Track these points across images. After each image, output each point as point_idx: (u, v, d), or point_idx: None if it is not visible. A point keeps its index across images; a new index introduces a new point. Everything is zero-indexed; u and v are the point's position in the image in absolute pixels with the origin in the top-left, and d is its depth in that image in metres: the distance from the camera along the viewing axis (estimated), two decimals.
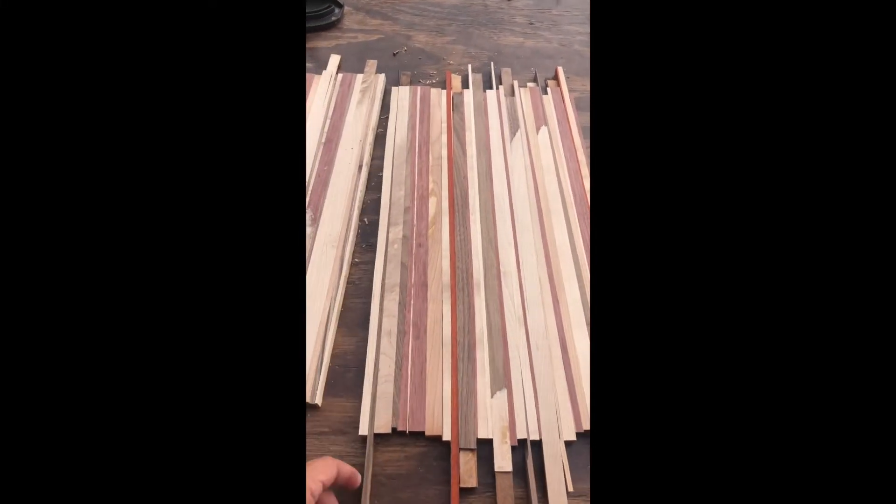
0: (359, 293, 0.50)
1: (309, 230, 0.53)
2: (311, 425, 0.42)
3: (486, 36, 0.78)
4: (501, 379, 0.44)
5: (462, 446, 0.40)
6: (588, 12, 0.82)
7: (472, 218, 0.54)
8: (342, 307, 0.49)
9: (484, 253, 0.51)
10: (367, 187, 0.58)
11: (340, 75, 0.69)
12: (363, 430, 0.41)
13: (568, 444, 0.41)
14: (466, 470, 0.39)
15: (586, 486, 0.39)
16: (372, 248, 0.53)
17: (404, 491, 0.39)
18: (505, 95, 0.67)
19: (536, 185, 0.57)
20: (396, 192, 0.57)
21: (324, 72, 0.69)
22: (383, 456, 0.41)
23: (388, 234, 0.53)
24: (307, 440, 0.41)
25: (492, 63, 0.72)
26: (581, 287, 0.50)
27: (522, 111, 0.65)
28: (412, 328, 0.46)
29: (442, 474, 0.40)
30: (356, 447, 0.41)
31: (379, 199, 0.56)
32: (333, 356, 0.46)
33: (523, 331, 0.46)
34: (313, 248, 0.51)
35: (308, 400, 0.42)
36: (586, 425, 0.41)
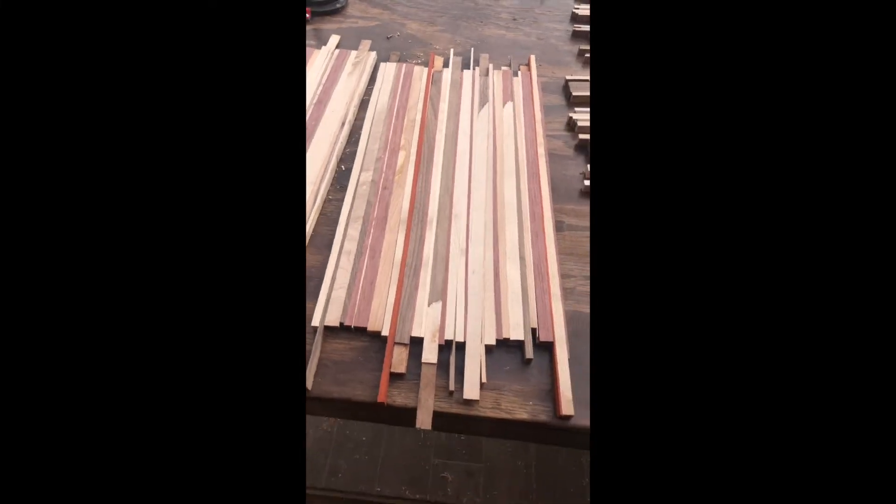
0: (327, 222, 0.58)
1: None
2: None
3: (472, 28, 0.87)
4: (439, 293, 0.51)
5: (397, 340, 0.47)
6: (568, 13, 0.91)
7: (434, 171, 0.62)
8: (313, 232, 0.57)
9: (440, 199, 0.59)
10: (347, 142, 0.67)
11: (338, 51, 0.78)
12: (315, 322, 0.48)
13: (488, 348, 0.48)
14: (398, 359, 0.47)
15: (498, 381, 0.46)
16: (344, 188, 0.61)
17: (345, 374, 0.46)
18: (480, 76, 0.75)
19: (496, 148, 0.65)
20: (371, 145, 0.65)
21: (323, 47, 0.79)
22: (330, 346, 0.48)
23: (360, 177, 0.61)
24: None
25: (472, 49, 0.81)
26: (520, 232, 0.57)
27: (493, 89, 0.73)
28: (368, 250, 0.54)
29: (378, 363, 0.47)
30: (308, 338, 0.49)
31: (356, 151, 0.65)
32: None
33: (464, 259, 0.54)
34: None
35: None
36: (506, 335, 0.48)
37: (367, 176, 0.61)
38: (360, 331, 0.49)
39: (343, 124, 0.67)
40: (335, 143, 0.65)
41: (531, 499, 1.02)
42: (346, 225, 0.56)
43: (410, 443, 1.08)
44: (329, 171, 0.62)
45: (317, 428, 1.10)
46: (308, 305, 0.51)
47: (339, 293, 0.51)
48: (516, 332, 0.48)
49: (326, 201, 0.60)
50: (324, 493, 1.04)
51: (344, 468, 1.05)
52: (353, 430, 1.10)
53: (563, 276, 0.54)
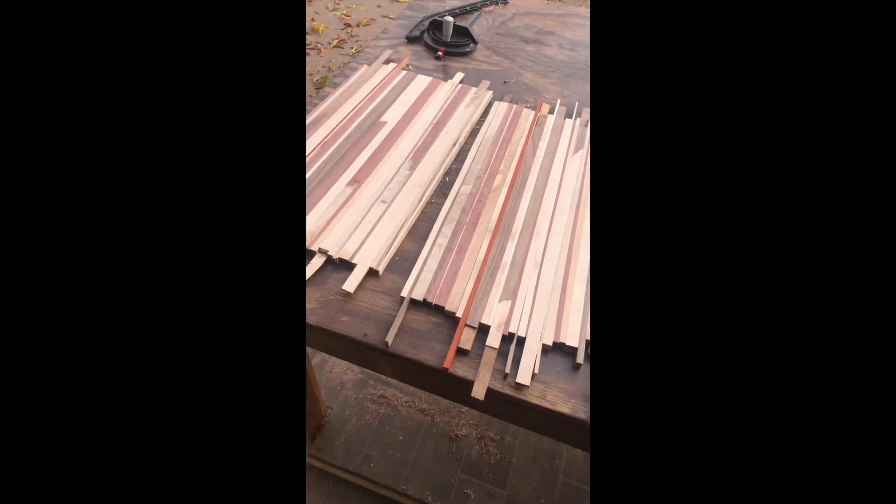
0: (427, 220, 0.68)
1: (407, 172, 0.73)
2: (372, 285, 0.60)
3: (579, 85, 0.97)
4: (511, 293, 0.58)
5: (468, 322, 0.55)
6: None
7: (524, 195, 0.71)
8: (413, 225, 0.67)
9: (526, 217, 0.68)
10: (455, 159, 0.78)
11: (460, 86, 0.91)
12: (404, 293, 0.58)
13: (545, 347, 0.55)
14: (466, 338, 0.54)
15: (547, 377, 0.52)
16: (445, 195, 0.71)
17: (420, 340, 0.55)
18: (579, 126, 0.85)
19: (582, 188, 0.73)
20: (475, 165, 0.75)
21: (449, 81, 0.92)
22: (412, 315, 0.57)
23: (460, 189, 0.71)
24: (375, 295, 0.59)
25: (577, 102, 0.91)
26: (592, 259, 0.64)
27: (588, 139, 0.82)
28: (457, 247, 0.63)
29: (449, 338, 0.55)
30: (396, 306, 0.58)
31: (461, 168, 0.75)
32: (398, 252, 0.64)
33: (537, 271, 0.61)
34: (406, 183, 0.71)
35: (374, 267, 0.60)
36: (563, 339, 0.55)
37: (467, 189, 0.71)
38: (439, 309, 0.57)
39: (454, 144, 0.79)
40: (445, 158, 0.76)
41: None
42: (442, 224, 0.66)
43: (443, 452, 1.13)
44: (436, 179, 0.73)
45: (360, 416, 1.18)
46: (401, 280, 0.60)
47: (427, 275, 0.60)
48: (572, 339, 0.54)
49: (429, 203, 0.71)
50: (352, 477, 1.11)
51: (376, 459, 1.11)
52: (392, 427, 1.17)
53: None
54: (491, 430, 1.17)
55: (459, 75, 0.94)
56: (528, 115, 0.86)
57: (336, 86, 0.90)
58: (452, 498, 1.07)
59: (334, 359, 1.27)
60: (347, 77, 0.92)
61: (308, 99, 0.99)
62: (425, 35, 1.05)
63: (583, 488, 1.08)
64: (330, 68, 2.36)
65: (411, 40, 1.05)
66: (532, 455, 1.13)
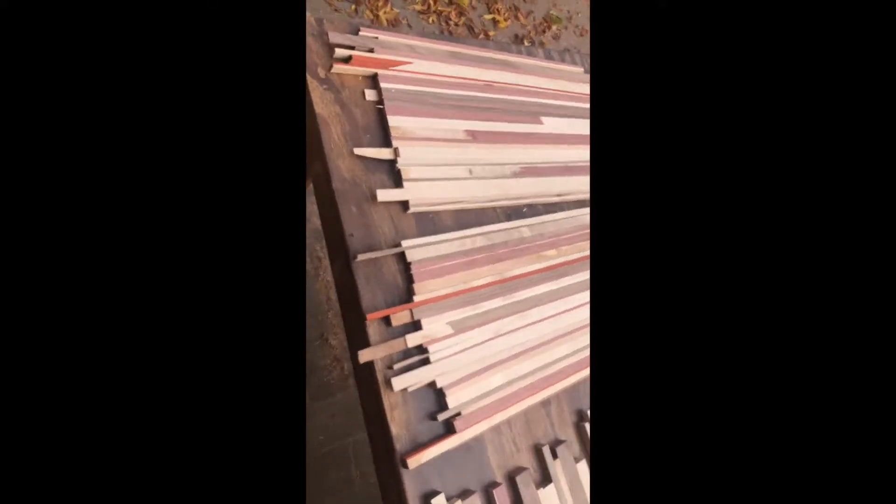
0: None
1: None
2: None
3: None
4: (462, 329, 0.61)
5: (416, 317, 0.58)
6: None
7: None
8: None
9: (533, 296, 0.69)
10: None
11: None
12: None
13: (432, 384, 0.58)
14: (402, 315, 0.57)
15: (411, 403, 0.56)
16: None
17: (374, 279, 0.58)
18: None
19: None
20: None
21: None
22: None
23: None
24: None
25: None
26: None
27: None
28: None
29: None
30: None
31: None
32: None
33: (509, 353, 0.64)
34: None
35: None
36: (450, 403, 0.58)
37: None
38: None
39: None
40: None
41: None
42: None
43: None
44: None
45: None
46: None
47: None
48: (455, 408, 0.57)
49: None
50: None
51: None
52: None
53: None
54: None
55: None
56: None
57: None
58: None
59: None
60: None
61: None
62: None
63: None
64: None
65: None
66: None
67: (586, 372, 0.70)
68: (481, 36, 1.90)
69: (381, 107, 0.66)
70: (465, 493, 0.53)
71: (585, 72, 0.93)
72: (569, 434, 0.65)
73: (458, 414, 0.57)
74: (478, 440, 0.57)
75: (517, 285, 0.69)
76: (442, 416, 0.55)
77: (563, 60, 0.91)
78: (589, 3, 2.41)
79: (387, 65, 0.67)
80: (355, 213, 0.59)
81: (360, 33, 0.68)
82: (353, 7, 1.60)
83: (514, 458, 0.59)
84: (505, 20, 1.97)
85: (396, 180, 0.64)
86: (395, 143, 0.64)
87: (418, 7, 1.75)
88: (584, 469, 0.62)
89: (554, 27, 2.16)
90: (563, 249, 0.76)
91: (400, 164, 0.64)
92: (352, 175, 0.61)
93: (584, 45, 2.28)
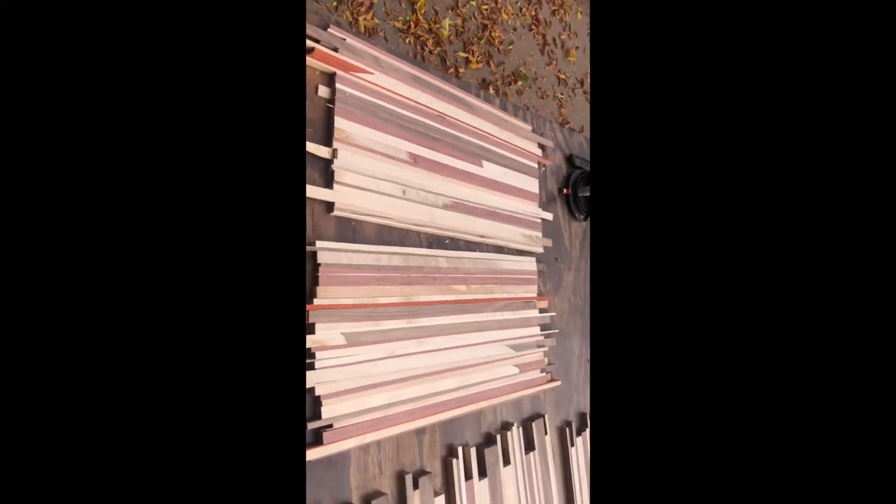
0: None
1: None
2: None
3: None
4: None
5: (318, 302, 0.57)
6: None
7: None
8: None
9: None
10: None
11: None
12: None
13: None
14: None
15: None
16: None
17: None
18: None
19: None
20: None
21: None
22: None
23: None
24: None
25: None
26: None
27: None
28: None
29: None
30: None
31: None
32: None
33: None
34: None
35: None
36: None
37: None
38: None
39: None
40: None
41: None
42: None
43: None
44: None
45: None
46: None
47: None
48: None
49: None
50: None
51: None
52: None
53: None
54: None
55: None
56: None
57: None
58: None
59: None
60: None
61: None
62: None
63: None
64: None
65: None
66: None
67: (468, 409, 0.71)
68: (451, 70, 1.96)
69: (332, 106, 0.66)
70: None
71: (533, 131, 0.99)
72: (435, 467, 0.65)
73: (330, 426, 0.55)
74: (343, 456, 0.56)
75: (422, 311, 0.70)
76: (312, 425, 0.54)
77: (515, 115, 0.97)
78: (555, 73, 2.58)
79: (347, 68, 0.67)
80: None
81: (329, 30, 0.68)
82: (335, 3, 1.60)
83: (376, 482, 0.58)
84: (477, 62, 2.05)
85: (327, 181, 0.63)
86: (336, 144, 0.64)
87: (399, 25, 1.78)
88: None
89: (520, 83, 2.29)
90: (473, 287, 0.78)
91: (336, 165, 0.63)
92: None
93: (544, 106, 2.43)
